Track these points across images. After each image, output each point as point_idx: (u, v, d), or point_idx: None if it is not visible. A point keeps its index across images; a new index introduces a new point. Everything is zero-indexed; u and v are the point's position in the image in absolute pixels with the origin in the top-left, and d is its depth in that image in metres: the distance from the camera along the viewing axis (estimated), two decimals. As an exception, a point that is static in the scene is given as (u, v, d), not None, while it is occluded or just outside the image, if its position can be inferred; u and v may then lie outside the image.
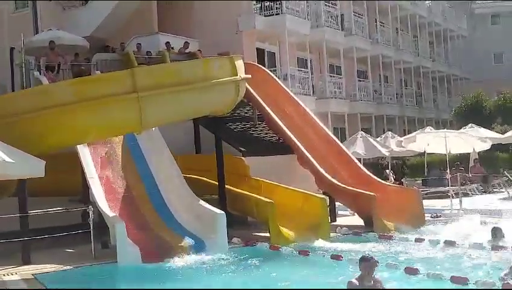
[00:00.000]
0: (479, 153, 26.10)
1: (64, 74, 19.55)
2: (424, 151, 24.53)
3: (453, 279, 9.56)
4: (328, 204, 16.73)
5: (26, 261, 12.68)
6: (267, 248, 13.67)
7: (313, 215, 15.12)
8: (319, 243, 14.07)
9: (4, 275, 11.53)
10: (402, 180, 24.53)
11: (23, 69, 18.92)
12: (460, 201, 19.01)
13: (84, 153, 14.99)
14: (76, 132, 13.25)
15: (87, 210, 13.51)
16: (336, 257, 11.92)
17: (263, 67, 22.21)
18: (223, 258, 12.48)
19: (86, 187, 14.54)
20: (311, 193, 15.83)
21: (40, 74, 19.38)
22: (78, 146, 14.69)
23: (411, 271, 10.34)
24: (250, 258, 12.41)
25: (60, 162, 15.26)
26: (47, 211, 13.44)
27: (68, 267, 12.16)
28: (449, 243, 13.10)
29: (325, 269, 11.32)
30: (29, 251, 12.91)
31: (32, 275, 11.40)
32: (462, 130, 24.91)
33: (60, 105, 12.79)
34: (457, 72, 47.91)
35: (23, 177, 12.10)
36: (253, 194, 15.61)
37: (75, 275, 11.55)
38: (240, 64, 14.31)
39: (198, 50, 21.26)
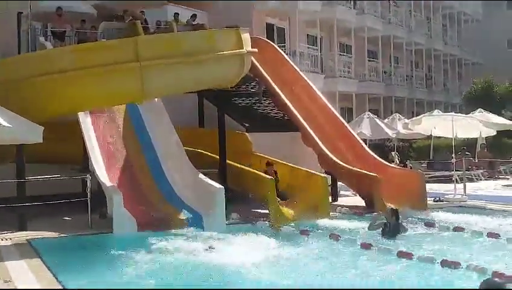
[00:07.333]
0: (486, 138, 25.86)
1: (71, 41, 19.37)
2: (431, 135, 24.29)
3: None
4: (330, 184, 16.57)
5: (23, 228, 12.61)
6: (267, 227, 13.31)
7: (314, 193, 14.95)
8: (320, 221, 13.86)
9: (-1, 240, 11.50)
10: (407, 162, 24.27)
11: (30, 35, 18.73)
12: (465, 186, 18.80)
13: (86, 121, 14.83)
14: (77, 99, 13.14)
15: (85, 179, 13.41)
16: (334, 236, 11.73)
17: (271, 43, 21.89)
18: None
19: (86, 156, 14.41)
20: (313, 172, 15.64)
21: (46, 40, 19.20)
22: (79, 114, 14.54)
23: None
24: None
25: (62, 130, 15.22)
26: (42, 178, 13.35)
27: (63, 235, 12.11)
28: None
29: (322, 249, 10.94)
30: (26, 218, 12.82)
31: (26, 240, 11.34)
32: (470, 114, 24.59)
33: (61, 71, 12.67)
34: (469, 56, 47.30)
35: (20, 142, 12.01)
36: (253, 170, 15.43)
37: (68, 243, 11.48)
38: (246, 37, 14.07)
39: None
